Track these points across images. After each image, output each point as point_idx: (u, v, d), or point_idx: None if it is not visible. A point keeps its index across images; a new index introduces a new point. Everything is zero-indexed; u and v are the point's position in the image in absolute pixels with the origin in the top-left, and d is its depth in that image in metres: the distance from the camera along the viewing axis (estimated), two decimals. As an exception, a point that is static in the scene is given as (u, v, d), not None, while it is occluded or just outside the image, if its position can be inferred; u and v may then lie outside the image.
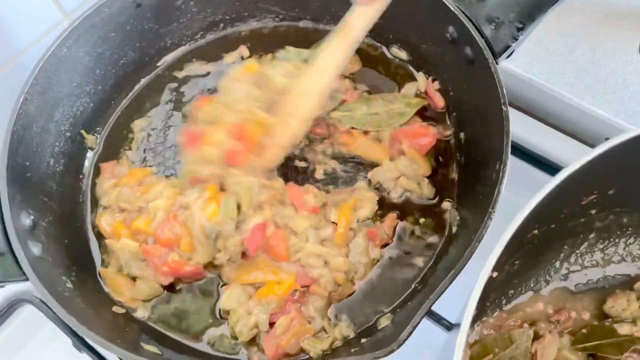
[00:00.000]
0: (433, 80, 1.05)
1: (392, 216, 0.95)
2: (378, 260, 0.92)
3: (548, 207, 0.66)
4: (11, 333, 1.01)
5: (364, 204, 0.95)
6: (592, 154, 0.65)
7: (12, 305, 0.99)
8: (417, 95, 1.05)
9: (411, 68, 1.09)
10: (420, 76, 1.06)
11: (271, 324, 0.87)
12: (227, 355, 0.88)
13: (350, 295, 0.90)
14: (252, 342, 0.88)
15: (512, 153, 0.82)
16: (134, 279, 0.92)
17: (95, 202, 1.00)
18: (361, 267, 0.91)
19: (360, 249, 0.91)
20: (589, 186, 0.75)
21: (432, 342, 0.89)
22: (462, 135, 0.99)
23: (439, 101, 1.03)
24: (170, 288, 0.93)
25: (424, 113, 1.04)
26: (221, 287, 0.92)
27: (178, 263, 0.89)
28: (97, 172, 1.03)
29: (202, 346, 0.88)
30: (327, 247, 0.90)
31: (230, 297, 0.89)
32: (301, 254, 0.89)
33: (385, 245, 0.94)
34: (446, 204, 0.96)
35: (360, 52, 1.10)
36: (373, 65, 1.10)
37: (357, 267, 0.91)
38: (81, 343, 0.92)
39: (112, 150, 1.05)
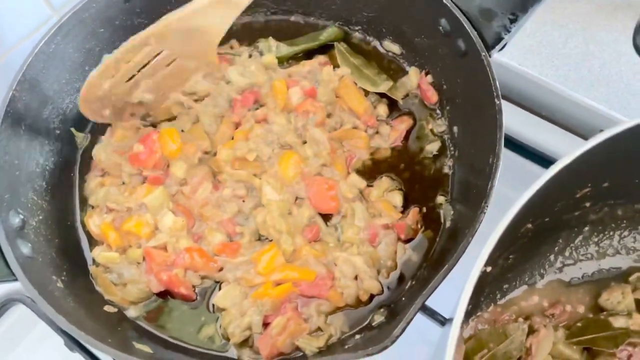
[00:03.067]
0: (426, 74, 1.04)
1: (415, 210, 0.95)
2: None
3: (542, 200, 0.65)
4: (3, 333, 1.01)
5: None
6: (585, 146, 0.64)
7: (4, 305, 0.98)
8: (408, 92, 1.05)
9: (404, 62, 1.08)
10: (412, 70, 1.05)
11: (265, 324, 0.86)
12: (217, 353, 0.87)
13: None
14: (244, 342, 0.87)
15: (506, 146, 0.82)
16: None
17: (85, 201, 0.99)
18: (385, 271, 0.91)
19: (388, 252, 0.91)
20: (583, 179, 0.74)
21: (426, 337, 0.89)
22: (455, 129, 0.98)
23: (432, 95, 1.02)
24: (161, 294, 0.92)
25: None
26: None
27: (178, 280, 0.89)
28: (87, 169, 1.02)
29: (193, 345, 0.88)
30: (366, 264, 0.89)
31: (226, 296, 0.88)
32: (342, 256, 0.89)
33: (408, 240, 0.93)
34: (440, 198, 0.95)
35: (352, 46, 1.10)
36: (366, 59, 1.09)
37: (382, 270, 0.91)
38: (73, 342, 0.91)
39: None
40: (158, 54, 0.91)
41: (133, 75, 0.92)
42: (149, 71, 0.93)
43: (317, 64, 1.05)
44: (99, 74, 0.89)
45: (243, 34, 1.14)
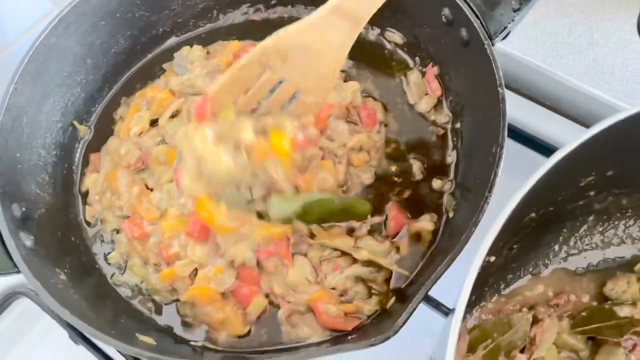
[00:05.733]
0: (432, 66, 1.03)
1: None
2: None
3: (545, 189, 0.65)
4: (8, 326, 1.01)
5: None
6: (587, 134, 0.63)
7: (9, 298, 0.99)
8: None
9: (406, 53, 1.07)
10: (415, 71, 1.05)
11: None
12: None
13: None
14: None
15: (510, 136, 0.82)
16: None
17: (87, 194, 0.99)
18: None
19: None
20: (586, 167, 0.73)
21: (431, 328, 0.88)
22: (458, 119, 0.98)
23: (437, 89, 1.01)
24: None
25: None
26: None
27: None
28: (87, 162, 1.02)
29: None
30: None
31: None
32: None
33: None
34: (443, 189, 0.94)
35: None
36: (368, 51, 1.08)
37: None
38: (77, 335, 0.91)
39: (104, 141, 1.03)
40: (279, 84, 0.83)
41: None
42: (271, 104, 0.84)
43: None
44: (217, 89, 0.80)
45: (244, 28, 1.14)
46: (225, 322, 0.86)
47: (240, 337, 0.87)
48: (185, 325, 0.88)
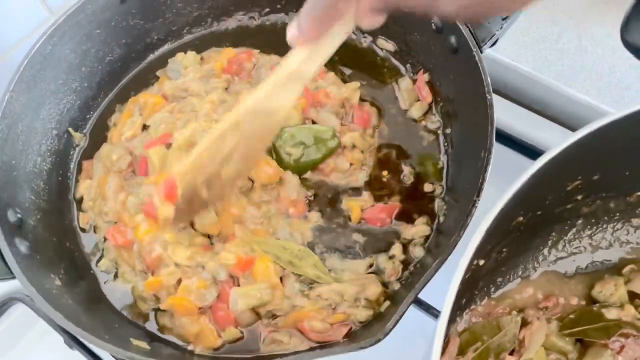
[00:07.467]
0: (423, 73, 1.04)
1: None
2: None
3: (532, 193, 0.65)
4: (3, 331, 1.01)
5: None
6: (572, 138, 0.64)
7: (4, 304, 0.99)
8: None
9: (398, 60, 1.08)
10: (406, 78, 1.07)
11: None
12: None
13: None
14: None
15: (501, 142, 0.83)
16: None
17: (82, 199, 1.00)
18: None
19: None
20: (572, 171, 0.74)
21: (423, 331, 0.89)
22: (448, 124, 0.99)
23: (427, 95, 1.03)
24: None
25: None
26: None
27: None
28: (82, 169, 1.03)
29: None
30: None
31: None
32: None
33: None
34: (434, 194, 0.95)
35: (347, 45, 1.10)
36: (361, 59, 1.10)
37: None
38: (72, 340, 0.91)
39: (98, 148, 1.04)
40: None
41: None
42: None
43: None
44: (184, 172, 0.81)
45: (238, 35, 1.15)
46: (199, 335, 0.85)
47: (214, 349, 0.86)
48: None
